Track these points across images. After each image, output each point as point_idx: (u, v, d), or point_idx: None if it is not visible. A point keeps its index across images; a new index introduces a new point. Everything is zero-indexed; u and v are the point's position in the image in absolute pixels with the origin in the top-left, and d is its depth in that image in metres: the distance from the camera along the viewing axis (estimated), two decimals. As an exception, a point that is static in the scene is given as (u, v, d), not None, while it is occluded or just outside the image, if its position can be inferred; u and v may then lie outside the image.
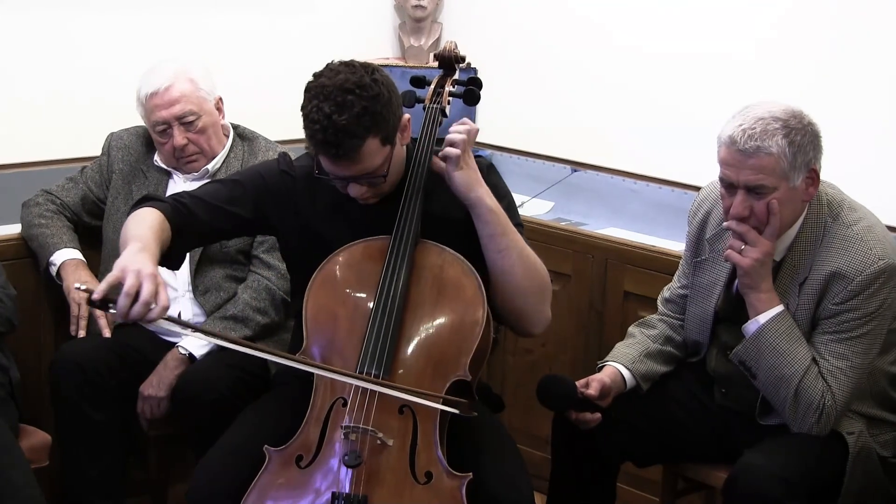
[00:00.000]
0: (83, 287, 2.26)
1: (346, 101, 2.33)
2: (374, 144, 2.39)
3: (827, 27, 3.47)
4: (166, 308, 2.24)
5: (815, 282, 2.59)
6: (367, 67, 2.41)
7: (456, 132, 2.49)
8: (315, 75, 2.41)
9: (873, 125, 3.38)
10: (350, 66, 2.41)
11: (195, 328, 2.46)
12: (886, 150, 3.37)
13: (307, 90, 2.40)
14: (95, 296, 2.21)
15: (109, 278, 2.23)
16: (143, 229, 2.40)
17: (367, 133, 2.36)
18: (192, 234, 2.55)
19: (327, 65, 2.43)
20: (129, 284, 2.20)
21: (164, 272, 2.42)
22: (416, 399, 2.34)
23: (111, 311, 2.23)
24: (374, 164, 2.41)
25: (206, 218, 2.55)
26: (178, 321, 2.37)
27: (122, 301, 2.20)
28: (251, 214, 2.59)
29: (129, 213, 2.53)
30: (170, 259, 2.50)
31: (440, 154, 2.50)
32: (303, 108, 2.39)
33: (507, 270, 2.49)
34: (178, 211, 2.52)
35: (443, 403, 2.33)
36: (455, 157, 2.45)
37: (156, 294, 2.22)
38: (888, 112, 3.36)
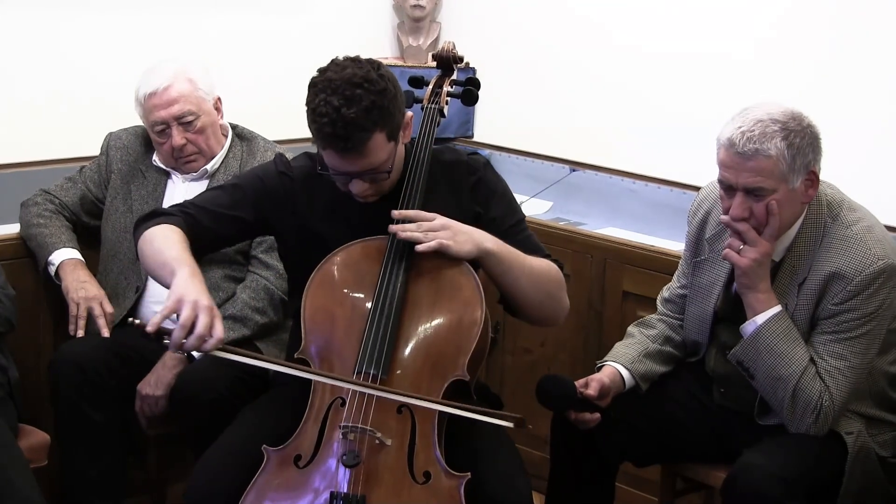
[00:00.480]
0: (136, 322, 2.28)
1: (354, 94, 2.34)
2: (380, 139, 2.39)
3: (826, 27, 3.47)
4: (221, 340, 2.27)
5: (815, 282, 2.59)
6: (372, 63, 2.42)
7: (409, 229, 2.43)
8: (320, 70, 2.42)
9: (872, 125, 3.37)
10: (356, 61, 2.42)
11: (248, 354, 2.42)
12: (885, 150, 3.37)
13: (312, 85, 2.40)
14: (149, 328, 2.24)
15: (165, 310, 2.26)
16: (178, 250, 2.43)
17: (374, 127, 2.37)
18: (202, 243, 2.56)
19: (332, 60, 2.43)
20: (184, 317, 2.24)
21: None
22: (459, 412, 2.33)
23: (165, 342, 2.25)
24: (380, 159, 2.42)
25: (211, 226, 2.57)
26: (230, 350, 2.37)
27: (178, 333, 2.24)
28: (252, 217, 2.60)
29: (137, 228, 2.55)
30: None
31: (422, 249, 2.43)
32: (309, 103, 2.39)
33: (519, 295, 2.53)
34: (189, 222, 2.54)
35: (492, 416, 2.33)
36: (444, 245, 2.43)
37: (211, 326, 2.25)
38: (887, 112, 3.36)
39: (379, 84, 2.37)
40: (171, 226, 2.50)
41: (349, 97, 2.34)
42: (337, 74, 2.37)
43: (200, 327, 2.23)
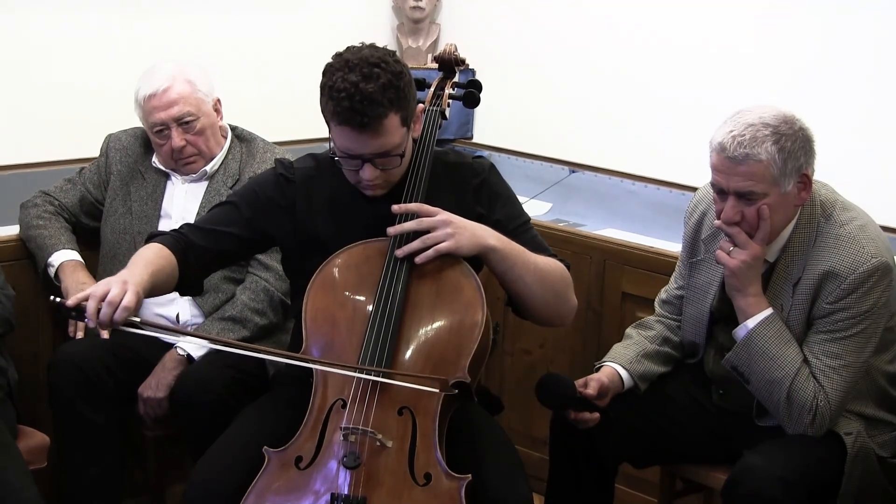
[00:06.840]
0: (57, 300, 2.32)
1: (372, 72, 2.37)
2: (395, 121, 2.41)
3: (823, 23, 3.48)
4: (127, 308, 2.28)
5: (809, 282, 2.59)
6: (386, 49, 2.46)
7: (406, 230, 2.45)
8: (335, 55, 2.44)
9: (863, 122, 3.38)
10: (371, 45, 2.46)
11: (185, 332, 2.50)
12: (876, 148, 3.37)
13: (329, 68, 2.42)
14: (69, 302, 2.29)
15: (86, 289, 2.31)
16: (134, 261, 2.47)
17: (391, 106, 2.38)
18: (198, 260, 2.57)
19: (347, 47, 2.46)
20: (98, 288, 2.29)
21: None
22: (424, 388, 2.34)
23: (85, 319, 2.29)
24: (393, 142, 2.43)
25: (203, 244, 2.58)
26: (167, 328, 2.41)
27: (91, 304, 2.27)
28: (249, 233, 2.61)
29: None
30: (188, 287, 2.58)
31: (422, 260, 2.45)
32: (325, 83, 2.41)
33: (524, 293, 2.52)
34: (178, 240, 2.55)
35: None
36: (444, 250, 2.43)
37: (121, 296, 2.28)
38: (880, 108, 3.36)
39: (395, 67, 2.40)
40: (152, 244, 2.53)
41: (367, 74, 2.37)
42: (354, 55, 2.40)
43: (110, 295, 2.27)
